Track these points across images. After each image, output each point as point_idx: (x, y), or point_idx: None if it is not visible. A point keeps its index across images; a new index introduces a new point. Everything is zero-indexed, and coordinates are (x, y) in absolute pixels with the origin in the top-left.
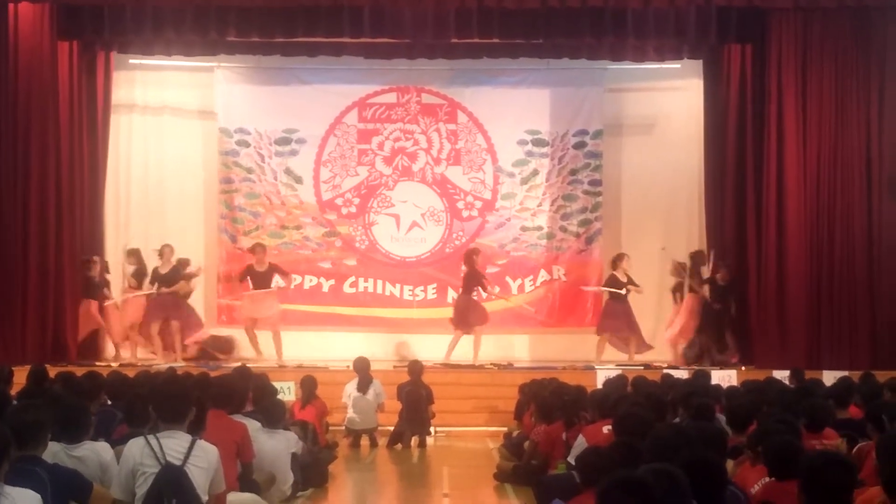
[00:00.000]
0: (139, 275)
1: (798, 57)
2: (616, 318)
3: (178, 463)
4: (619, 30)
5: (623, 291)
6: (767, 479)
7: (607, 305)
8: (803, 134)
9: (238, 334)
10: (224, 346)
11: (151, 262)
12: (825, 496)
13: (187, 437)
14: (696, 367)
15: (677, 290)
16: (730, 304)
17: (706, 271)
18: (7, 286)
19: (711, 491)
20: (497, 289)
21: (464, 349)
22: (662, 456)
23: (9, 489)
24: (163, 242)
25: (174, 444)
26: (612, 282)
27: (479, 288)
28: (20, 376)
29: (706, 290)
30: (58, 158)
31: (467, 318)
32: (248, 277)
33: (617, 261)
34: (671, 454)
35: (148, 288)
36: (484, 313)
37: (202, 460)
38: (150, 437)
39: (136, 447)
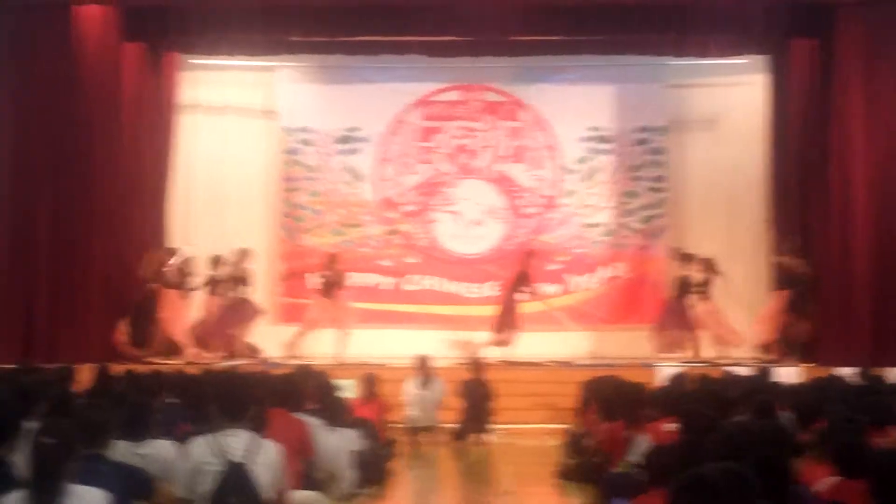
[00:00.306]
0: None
1: (865, 52)
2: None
3: (240, 461)
4: (683, 25)
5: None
6: (833, 478)
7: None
8: (870, 130)
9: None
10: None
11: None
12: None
13: (249, 436)
14: (758, 364)
15: (702, 285)
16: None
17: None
18: (71, 286)
19: (779, 490)
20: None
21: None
22: (729, 454)
23: (77, 487)
24: (225, 242)
25: (236, 442)
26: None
27: (524, 289)
28: (84, 375)
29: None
30: (122, 158)
31: (507, 319)
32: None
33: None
34: (738, 453)
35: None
36: (519, 320)
37: (264, 458)
38: (213, 436)
39: (199, 446)
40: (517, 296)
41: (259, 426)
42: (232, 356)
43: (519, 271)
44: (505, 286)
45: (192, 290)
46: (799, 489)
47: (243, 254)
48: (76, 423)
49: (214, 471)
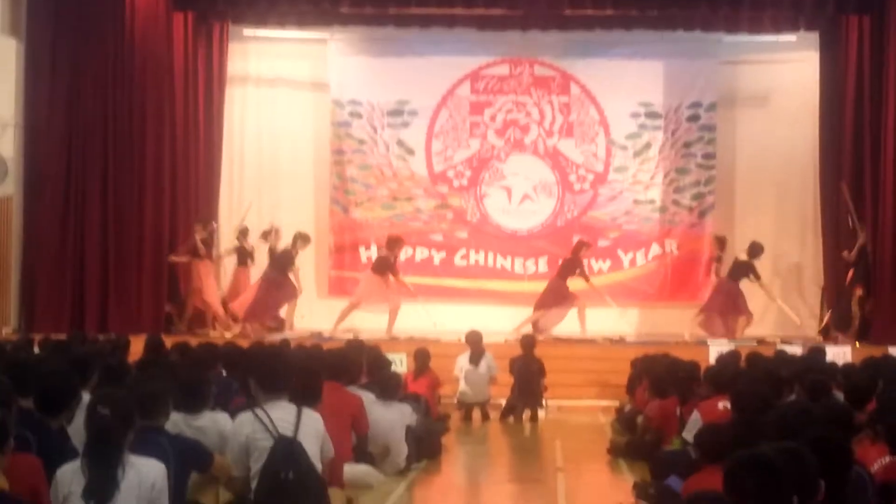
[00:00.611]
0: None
1: None
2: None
3: (289, 434)
4: (735, 1)
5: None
6: (888, 458)
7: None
8: None
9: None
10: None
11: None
12: None
13: (293, 408)
14: (811, 344)
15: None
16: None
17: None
18: (123, 257)
19: (838, 470)
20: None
21: (567, 324)
22: (786, 434)
23: (134, 458)
24: (274, 213)
25: (282, 414)
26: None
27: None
28: (136, 346)
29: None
30: (172, 130)
31: (555, 300)
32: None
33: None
34: (795, 432)
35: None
36: (574, 296)
37: (311, 429)
38: (258, 411)
39: (245, 421)
40: (566, 282)
41: (314, 400)
42: (276, 330)
43: (570, 259)
44: (555, 274)
45: (216, 259)
46: (857, 470)
47: (298, 237)
48: (132, 394)
49: (266, 447)
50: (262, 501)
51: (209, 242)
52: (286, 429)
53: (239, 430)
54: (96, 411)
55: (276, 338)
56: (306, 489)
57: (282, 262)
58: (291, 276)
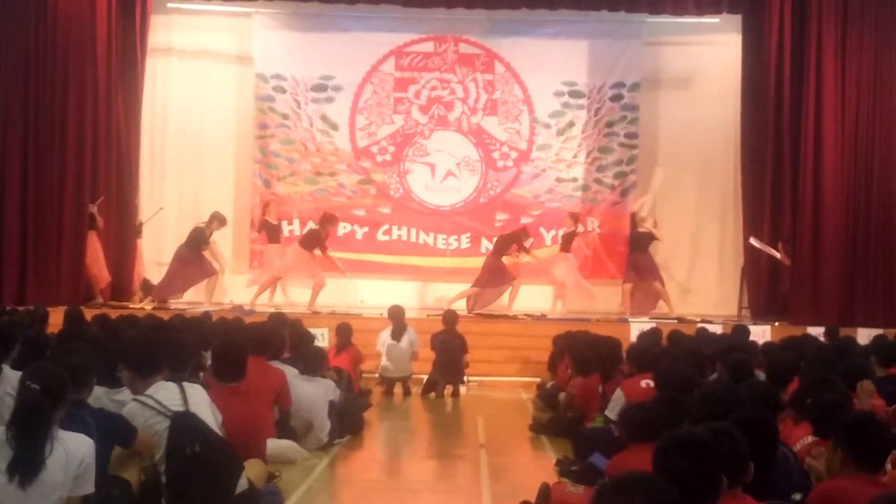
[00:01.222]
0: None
1: (839, 9)
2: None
3: (182, 409)
4: None
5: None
6: (811, 438)
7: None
8: (842, 89)
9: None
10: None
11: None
12: (860, 456)
13: (173, 384)
14: (732, 323)
15: (567, 239)
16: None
17: None
18: (43, 228)
19: (766, 450)
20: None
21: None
22: (712, 413)
23: (62, 434)
24: (197, 186)
25: (167, 394)
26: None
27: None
28: (55, 317)
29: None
30: (94, 101)
31: (491, 278)
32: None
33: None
34: (721, 412)
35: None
36: (511, 274)
37: (199, 398)
38: (143, 398)
39: (134, 412)
40: (501, 259)
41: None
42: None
43: (505, 236)
44: (491, 251)
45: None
46: (782, 450)
47: (213, 217)
48: (62, 368)
49: (164, 428)
50: (175, 481)
51: (94, 216)
52: (176, 406)
53: (132, 418)
54: (26, 385)
55: (197, 311)
56: (217, 456)
57: (194, 240)
58: (207, 254)
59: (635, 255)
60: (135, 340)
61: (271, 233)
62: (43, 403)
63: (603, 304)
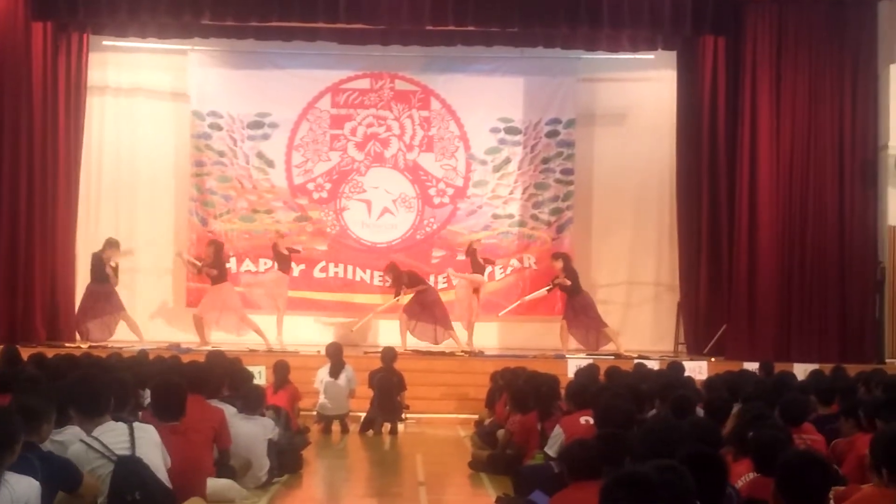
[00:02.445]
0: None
1: (772, 49)
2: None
3: (127, 453)
4: (595, 19)
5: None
6: (753, 475)
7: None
8: (777, 125)
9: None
10: None
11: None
12: (801, 495)
13: (123, 425)
14: (669, 359)
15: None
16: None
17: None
18: None
19: (714, 487)
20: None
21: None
22: (654, 450)
23: (8, 475)
24: (132, 224)
25: (114, 436)
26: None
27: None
28: None
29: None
30: (30, 140)
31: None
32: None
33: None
34: (664, 448)
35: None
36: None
37: (148, 441)
38: (89, 439)
39: (78, 451)
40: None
41: (167, 412)
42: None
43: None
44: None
45: None
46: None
47: (108, 244)
48: (17, 410)
49: (107, 473)
50: None
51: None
52: (122, 449)
53: (75, 459)
54: None
55: (134, 349)
56: None
57: (95, 267)
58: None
59: (573, 299)
60: (81, 380)
61: (281, 263)
62: None
63: (539, 340)
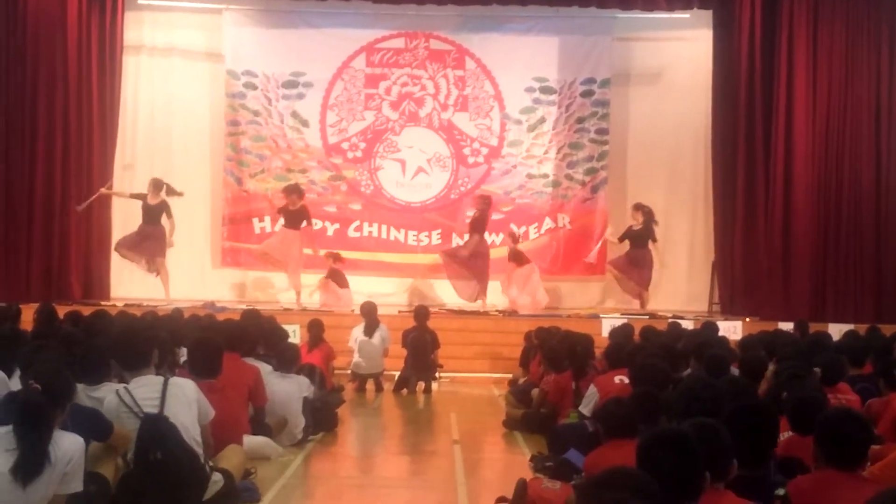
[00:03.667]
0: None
1: (809, 7)
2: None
3: (155, 411)
4: None
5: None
6: (789, 433)
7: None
8: (813, 84)
9: (242, 276)
10: None
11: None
12: (841, 452)
13: (159, 380)
14: (703, 318)
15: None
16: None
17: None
18: (13, 224)
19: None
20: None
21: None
22: (690, 409)
23: (56, 433)
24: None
25: (146, 391)
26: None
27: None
28: (27, 314)
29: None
30: (66, 99)
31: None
32: (281, 217)
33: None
34: (700, 407)
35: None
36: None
37: (180, 398)
38: (122, 391)
39: (111, 404)
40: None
41: (204, 370)
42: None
43: (476, 217)
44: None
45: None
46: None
47: (154, 185)
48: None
49: (133, 428)
50: (136, 483)
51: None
52: (151, 406)
53: (105, 410)
54: (29, 385)
55: (168, 307)
56: (176, 467)
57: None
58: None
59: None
60: (122, 334)
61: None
62: (46, 405)
63: (573, 300)
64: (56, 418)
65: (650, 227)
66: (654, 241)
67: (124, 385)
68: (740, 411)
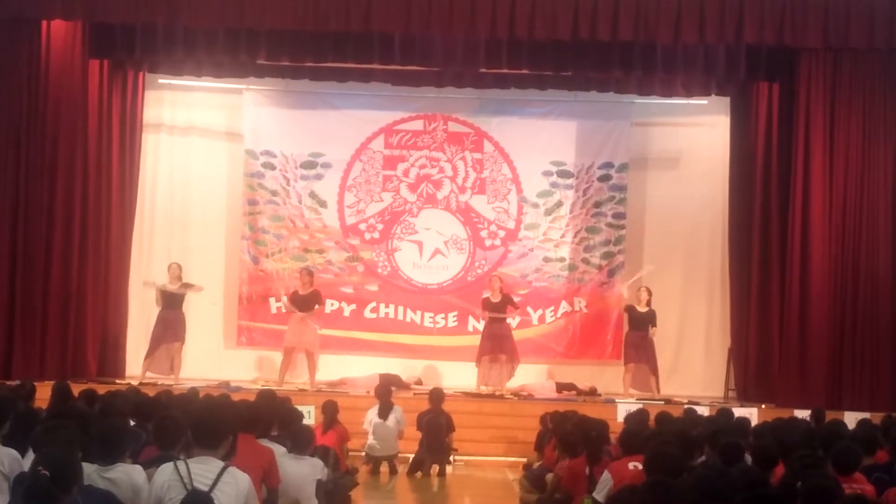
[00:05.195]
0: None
1: (826, 97)
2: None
3: (205, 489)
4: (648, 64)
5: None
6: None
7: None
8: (829, 174)
9: (258, 356)
10: None
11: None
12: None
13: (219, 464)
14: (719, 404)
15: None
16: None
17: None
18: (29, 302)
19: None
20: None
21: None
22: (704, 498)
23: None
24: (185, 263)
25: (203, 469)
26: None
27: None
28: (42, 392)
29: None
30: (85, 176)
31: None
32: (292, 303)
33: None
34: (713, 496)
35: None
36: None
37: (231, 487)
38: (180, 463)
39: (165, 474)
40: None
41: (229, 453)
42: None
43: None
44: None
45: None
46: None
47: (174, 270)
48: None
49: (177, 499)
50: None
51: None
52: (203, 483)
53: (157, 483)
54: (37, 470)
55: (184, 386)
56: None
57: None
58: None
59: (635, 335)
60: (204, 407)
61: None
62: (52, 491)
63: (590, 384)
64: (62, 503)
65: (653, 311)
66: (654, 325)
67: (184, 459)
68: (754, 500)
